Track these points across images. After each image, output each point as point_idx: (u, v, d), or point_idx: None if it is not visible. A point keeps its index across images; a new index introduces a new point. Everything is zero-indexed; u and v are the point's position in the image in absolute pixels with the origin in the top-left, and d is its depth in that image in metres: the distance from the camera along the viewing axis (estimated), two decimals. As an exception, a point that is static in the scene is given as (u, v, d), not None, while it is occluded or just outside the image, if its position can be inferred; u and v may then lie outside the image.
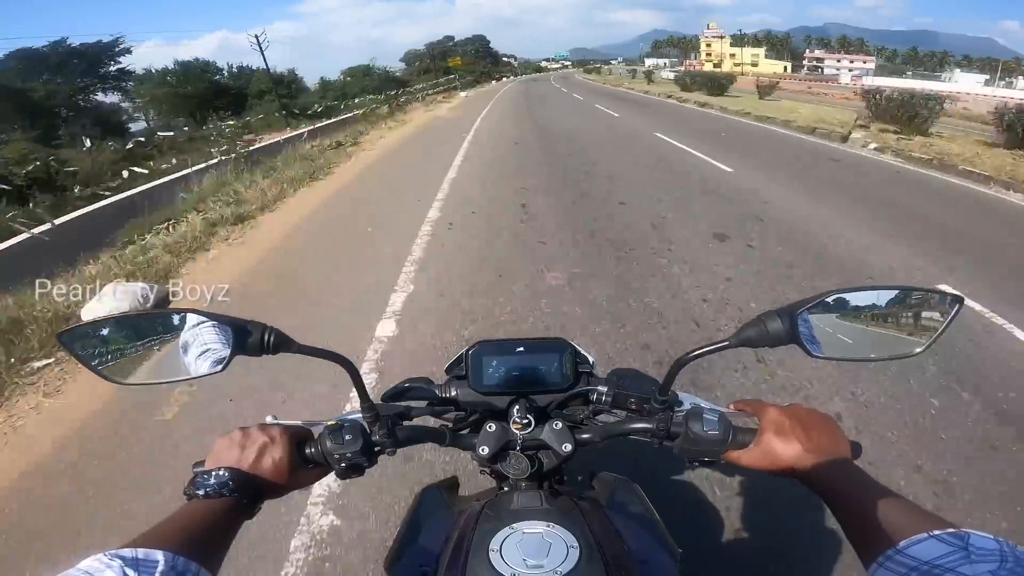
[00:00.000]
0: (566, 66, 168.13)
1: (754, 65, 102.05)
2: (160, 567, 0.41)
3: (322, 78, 56.22)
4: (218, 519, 0.54)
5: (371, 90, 36.59)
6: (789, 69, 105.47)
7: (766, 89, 22.38)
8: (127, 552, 0.41)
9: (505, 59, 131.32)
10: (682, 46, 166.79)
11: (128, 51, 38.21)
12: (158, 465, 2.17)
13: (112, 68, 38.78)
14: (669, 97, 23.22)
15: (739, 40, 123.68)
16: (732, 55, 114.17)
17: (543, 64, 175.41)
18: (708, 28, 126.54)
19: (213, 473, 0.58)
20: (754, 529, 1.81)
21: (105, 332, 0.60)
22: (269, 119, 19.76)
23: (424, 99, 28.95)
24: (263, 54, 30.11)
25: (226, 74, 48.07)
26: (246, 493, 0.58)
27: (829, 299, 0.59)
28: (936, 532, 0.42)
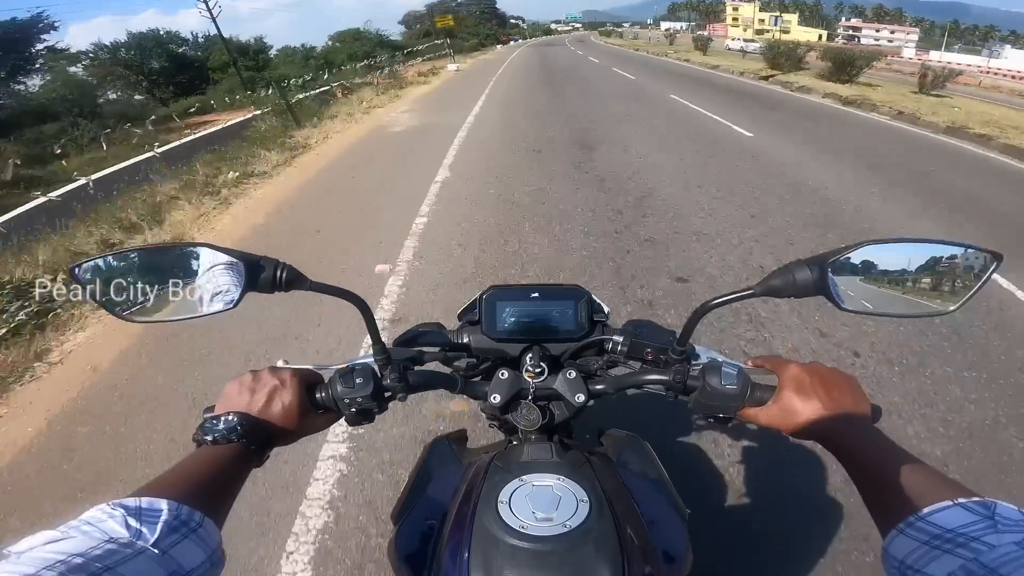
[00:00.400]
0: (576, 28, 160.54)
1: (784, 32, 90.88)
2: (163, 516, 0.41)
3: (304, 45, 48.28)
4: (226, 466, 0.53)
5: (361, 56, 30.88)
6: (824, 39, 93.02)
7: (936, 81, 14.51)
8: (131, 501, 0.41)
9: (513, 20, 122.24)
10: (702, 9, 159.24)
11: (53, 27, 29.37)
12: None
13: (38, 47, 29.44)
14: (767, 80, 15.34)
15: (767, 5, 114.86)
16: (761, 20, 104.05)
17: (553, 26, 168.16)
18: None
19: (222, 418, 0.57)
20: (761, 490, 1.82)
21: (116, 266, 0.59)
22: (233, 96, 16.44)
23: (380, 83, 15.98)
24: (215, 21, 26.48)
25: (191, 45, 41.32)
26: (255, 439, 0.57)
27: (860, 251, 0.56)
28: (961, 500, 0.40)
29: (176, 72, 37.71)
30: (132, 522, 0.39)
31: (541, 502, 0.57)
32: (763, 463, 1.91)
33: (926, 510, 0.41)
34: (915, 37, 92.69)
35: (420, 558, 0.67)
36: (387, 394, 0.67)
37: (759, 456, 1.93)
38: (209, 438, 0.55)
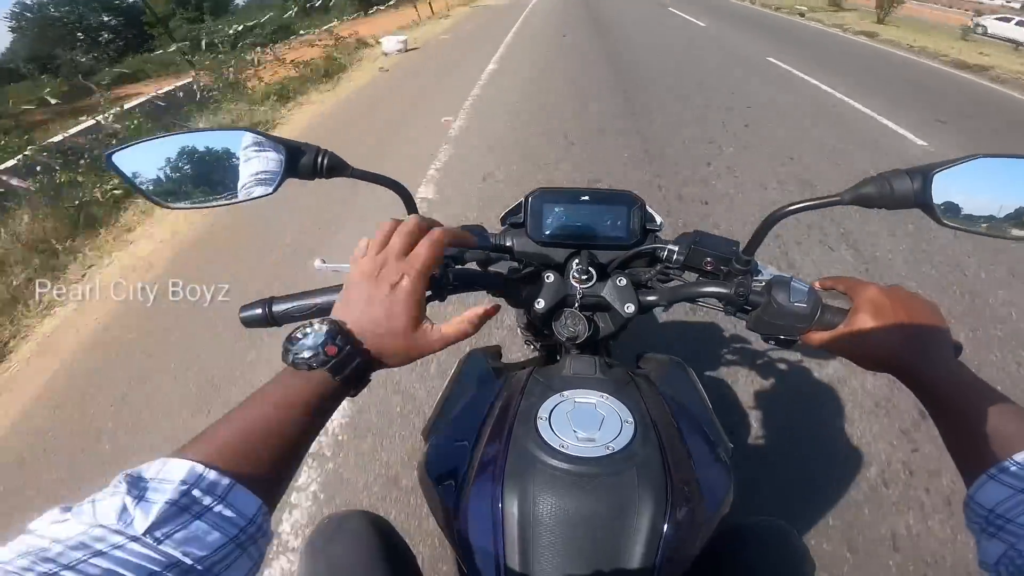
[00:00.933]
0: None
1: None
2: (168, 493, 0.33)
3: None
4: (297, 406, 0.41)
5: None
6: None
7: None
8: (146, 470, 0.34)
9: None
10: None
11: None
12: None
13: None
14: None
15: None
16: None
17: None
18: None
19: (314, 328, 0.44)
20: (811, 434, 1.74)
21: (153, 153, 0.56)
22: (169, 57, 12.34)
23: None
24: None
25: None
26: (343, 371, 0.43)
27: (970, 163, 0.49)
28: None
29: (123, 27, 31.05)
30: (129, 504, 0.32)
31: (583, 420, 0.55)
32: (817, 399, 1.83)
33: (1021, 455, 0.38)
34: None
35: (452, 477, 0.62)
36: (428, 293, 0.64)
37: (815, 390, 1.85)
38: (292, 360, 0.43)
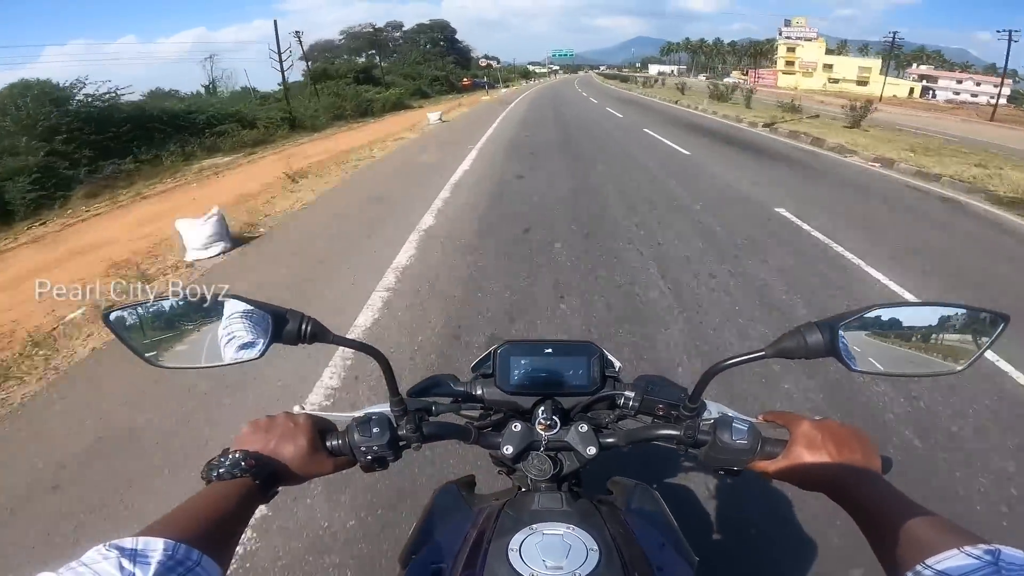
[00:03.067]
0: (555, 70, 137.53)
1: (862, 84, 68.33)
2: (158, 556, 0.41)
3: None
4: (231, 503, 0.54)
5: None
6: (917, 94, 68.67)
7: None
8: (127, 543, 0.41)
9: (484, 61, 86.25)
10: (736, 53, 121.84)
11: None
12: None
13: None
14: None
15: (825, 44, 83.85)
16: (828, 66, 76.51)
17: (531, 68, 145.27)
18: (787, 25, 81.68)
19: (229, 455, 0.58)
20: (770, 538, 1.80)
21: (147, 314, 0.61)
22: None
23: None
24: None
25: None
26: (260, 474, 0.58)
27: (870, 314, 0.58)
28: (967, 548, 0.41)
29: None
30: (126, 564, 0.39)
31: (551, 551, 0.57)
32: (774, 510, 1.89)
33: (932, 559, 0.42)
34: (1008, 90, 56.85)
35: None
36: (402, 443, 0.68)
37: (771, 503, 1.91)
38: (215, 474, 0.57)
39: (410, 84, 47.86)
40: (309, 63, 40.60)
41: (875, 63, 74.04)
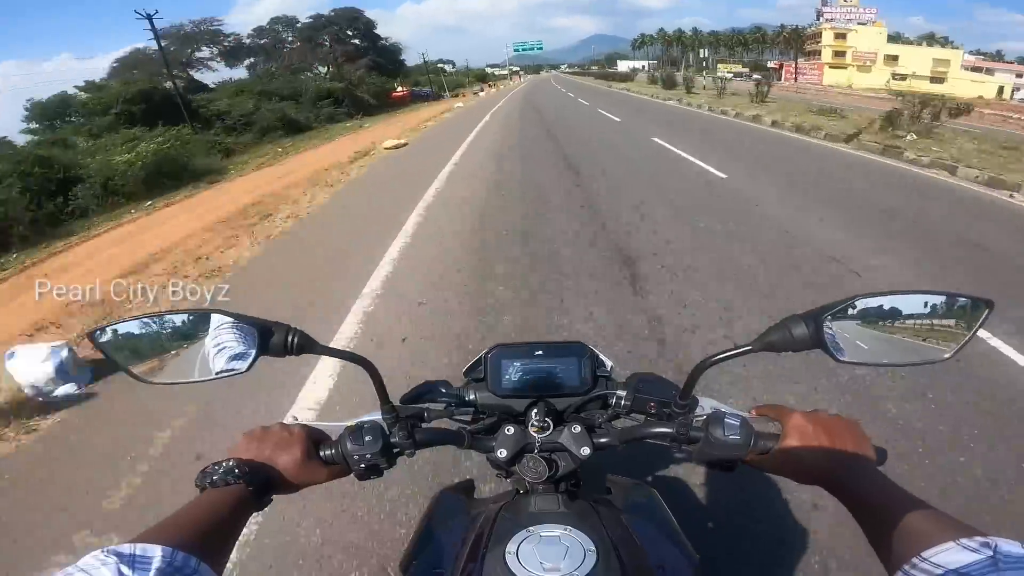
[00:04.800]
0: (517, 71, 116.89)
1: (937, 80, 49.09)
2: (156, 563, 0.41)
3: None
4: (225, 510, 0.54)
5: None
6: (1009, 93, 49.73)
7: None
8: (125, 548, 0.41)
9: (434, 66, 69.41)
10: (727, 44, 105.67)
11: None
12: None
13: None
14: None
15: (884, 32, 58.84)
16: (891, 58, 55.30)
17: (489, 70, 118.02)
18: (826, 4, 58.61)
19: (223, 463, 0.59)
20: (770, 533, 1.80)
21: (133, 331, 0.61)
22: None
23: None
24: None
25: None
26: (254, 481, 0.59)
27: (855, 304, 0.58)
28: (963, 540, 0.41)
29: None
30: (125, 570, 0.39)
31: (548, 552, 0.57)
32: (773, 505, 1.89)
33: (928, 551, 0.42)
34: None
35: None
36: (395, 451, 0.68)
37: (769, 497, 1.92)
38: (208, 481, 0.57)
39: (269, 115, 26.83)
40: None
41: (954, 55, 55.43)
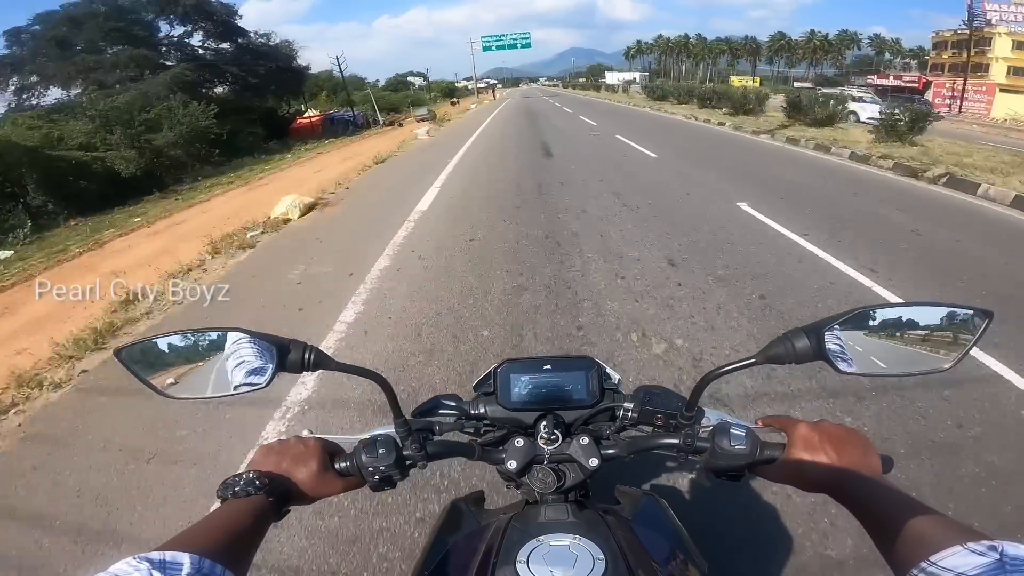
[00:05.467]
0: (492, 84, 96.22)
1: None
2: (185, 569, 0.43)
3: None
4: (246, 520, 0.56)
5: None
6: None
7: None
8: (155, 555, 0.43)
9: (359, 80, 60.53)
10: (743, 52, 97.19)
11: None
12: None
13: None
14: None
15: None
16: None
17: (462, 84, 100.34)
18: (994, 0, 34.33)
19: (244, 475, 0.61)
20: (778, 542, 1.80)
21: (156, 349, 0.64)
22: None
23: None
24: None
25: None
26: (273, 492, 0.60)
27: (855, 316, 0.59)
28: (970, 544, 0.42)
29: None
30: (156, 575, 0.41)
31: (558, 561, 0.58)
32: (780, 513, 1.89)
33: (936, 555, 0.42)
34: None
35: None
36: (407, 463, 0.70)
37: (776, 506, 1.92)
38: (229, 493, 0.59)
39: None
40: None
41: None
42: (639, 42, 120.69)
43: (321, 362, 0.62)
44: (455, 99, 60.24)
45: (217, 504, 0.60)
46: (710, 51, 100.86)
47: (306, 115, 36.17)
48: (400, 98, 57.24)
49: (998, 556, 0.40)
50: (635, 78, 79.71)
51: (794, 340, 0.59)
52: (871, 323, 0.61)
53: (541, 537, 0.63)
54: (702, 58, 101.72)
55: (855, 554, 1.70)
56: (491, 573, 0.60)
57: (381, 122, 36.38)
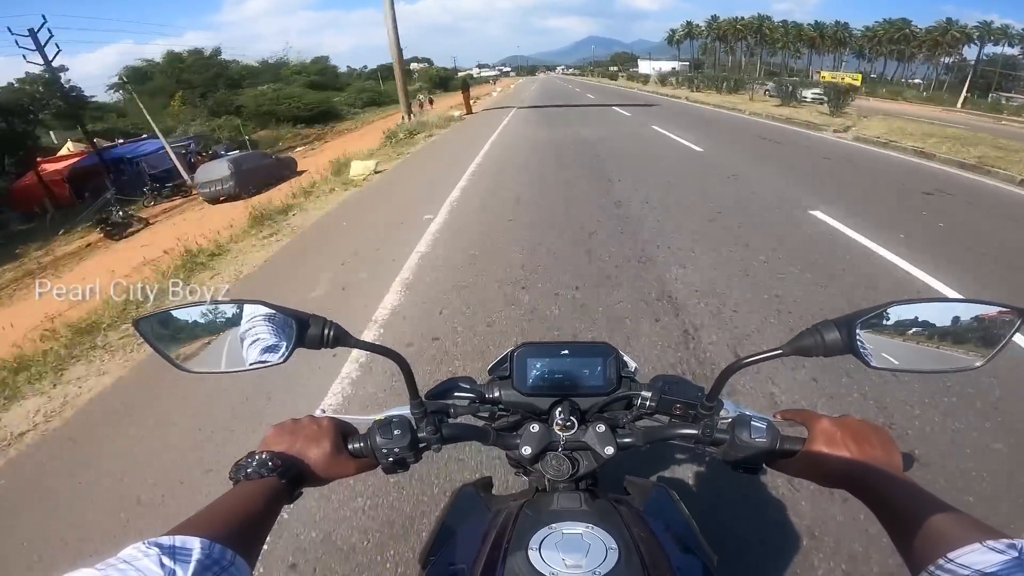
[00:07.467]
0: (507, 72, 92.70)
1: None
2: (196, 554, 0.42)
3: None
4: (258, 503, 0.55)
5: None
6: None
7: None
8: (165, 540, 0.42)
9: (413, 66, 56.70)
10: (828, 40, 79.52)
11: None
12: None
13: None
14: None
15: None
16: None
17: (477, 73, 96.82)
18: None
19: (256, 456, 0.60)
20: (790, 535, 1.79)
21: (176, 321, 0.63)
22: None
23: None
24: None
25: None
26: (286, 475, 0.60)
27: (888, 311, 0.58)
28: (989, 542, 0.41)
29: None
30: (166, 561, 0.40)
31: (571, 549, 0.58)
32: (792, 508, 1.89)
33: (954, 552, 0.42)
34: None
35: None
36: (421, 445, 0.69)
37: (790, 500, 1.91)
38: (242, 475, 0.59)
39: None
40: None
41: None
42: (689, 23, 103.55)
43: (340, 338, 0.62)
44: (431, 98, 37.00)
45: (229, 486, 0.59)
46: (790, 38, 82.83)
47: (62, 153, 20.67)
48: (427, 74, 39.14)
49: (1017, 554, 0.39)
50: (673, 67, 74.01)
51: (824, 332, 0.57)
52: (901, 318, 0.59)
53: (554, 525, 0.62)
54: (783, 46, 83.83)
55: (868, 550, 1.70)
56: (503, 559, 0.59)
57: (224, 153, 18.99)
